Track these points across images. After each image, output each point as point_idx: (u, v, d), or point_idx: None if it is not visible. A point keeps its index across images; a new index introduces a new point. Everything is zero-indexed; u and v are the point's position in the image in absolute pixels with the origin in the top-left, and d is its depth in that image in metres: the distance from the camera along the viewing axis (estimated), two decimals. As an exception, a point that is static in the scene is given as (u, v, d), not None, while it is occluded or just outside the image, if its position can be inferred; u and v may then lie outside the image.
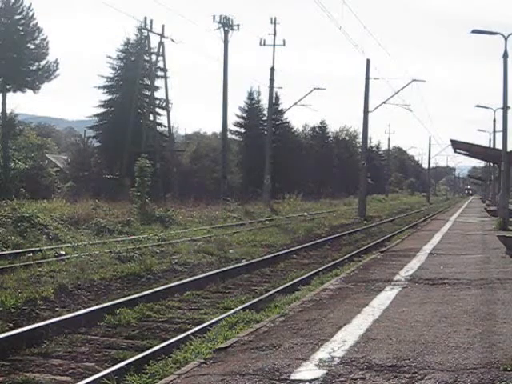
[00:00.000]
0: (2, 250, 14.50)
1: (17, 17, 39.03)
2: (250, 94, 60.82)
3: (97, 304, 9.33)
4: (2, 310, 8.52)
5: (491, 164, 52.30)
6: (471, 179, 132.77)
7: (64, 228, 18.89)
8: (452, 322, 6.59)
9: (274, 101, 48.95)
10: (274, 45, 42.36)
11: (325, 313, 7.13)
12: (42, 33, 39.75)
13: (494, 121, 46.05)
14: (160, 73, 47.68)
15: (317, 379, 4.65)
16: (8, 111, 39.42)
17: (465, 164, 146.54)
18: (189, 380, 4.83)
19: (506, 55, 23.57)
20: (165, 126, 49.46)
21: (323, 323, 6.56)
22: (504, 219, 22.51)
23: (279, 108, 58.73)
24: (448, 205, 68.00)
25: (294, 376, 4.73)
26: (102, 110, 48.95)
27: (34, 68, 39.63)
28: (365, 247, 18.65)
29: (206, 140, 63.28)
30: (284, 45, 42.79)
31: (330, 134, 77.80)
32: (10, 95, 39.60)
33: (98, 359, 6.87)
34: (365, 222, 31.96)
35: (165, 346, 6.98)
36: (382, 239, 21.34)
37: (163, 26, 44.38)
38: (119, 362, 6.53)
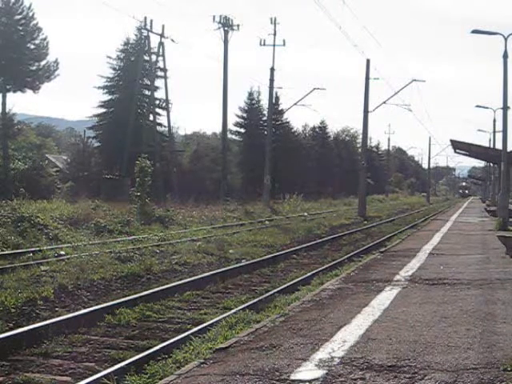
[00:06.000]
0: (2, 250, 14.50)
1: (17, 17, 39.04)
2: (250, 94, 60.84)
3: (97, 304, 9.33)
4: (2, 310, 8.52)
5: (491, 164, 52.34)
6: (471, 179, 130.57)
7: (64, 228, 18.89)
8: (452, 322, 6.59)
9: (274, 101, 48.95)
10: (274, 45, 42.44)
11: (325, 313, 7.12)
12: (42, 33, 39.86)
13: (494, 121, 46.13)
14: (160, 73, 47.70)
15: (317, 379, 4.65)
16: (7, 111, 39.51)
17: (465, 164, 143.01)
18: (189, 380, 4.83)
19: (505, 55, 23.58)
20: (165, 126, 49.51)
21: (323, 323, 6.56)
22: (504, 219, 22.52)
23: (279, 108, 58.72)
24: (448, 205, 67.94)
25: (294, 376, 4.73)
26: (102, 110, 48.96)
27: (34, 68, 39.64)
28: (365, 247, 18.65)
29: (206, 140, 63.29)
30: (284, 45, 42.91)
31: (330, 134, 77.87)
32: (10, 95, 39.69)
33: (98, 359, 6.87)
34: (365, 222, 31.96)
35: (165, 346, 6.98)
36: (381, 239, 21.33)
37: (163, 26, 44.51)
38: (119, 362, 6.54)
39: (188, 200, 33.97)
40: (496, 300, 7.90)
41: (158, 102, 49.18)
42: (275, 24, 42.23)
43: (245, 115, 60.56)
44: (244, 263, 14.32)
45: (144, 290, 10.53)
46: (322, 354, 5.32)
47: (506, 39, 23.43)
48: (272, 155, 42.85)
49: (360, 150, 44.99)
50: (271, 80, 42.16)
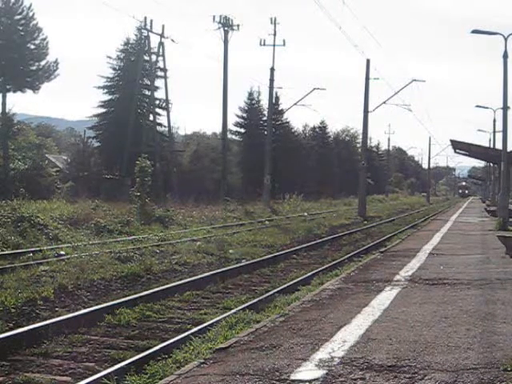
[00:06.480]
0: (2, 250, 14.50)
1: (17, 17, 39.04)
2: (250, 94, 60.87)
3: (97, 304, 9.33)
4: (2, 310, 8.52)
5: (491, 164, 52.33)
6: (471, 179, 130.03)
7: (64, 228, 18.90)
8: (452, 322, 6.59)
9: (274, 101, 48.96)
10: (274, 45, 42.45)
11: (325, 313, 7.12)
12: (42, 33, 39.85)
13: (494, 121, 46.14)
14: (160, 73, 47.71)
15: (317, 379, 4.65)
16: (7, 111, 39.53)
17: (465, 164, 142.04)
18: (189, 380, 4.83)
19: (505, 55, 23.58)
20: (165, 126, 49.52)
21: (323, 323, 6.56)
22: (504, 219, 22.52)
23: (279, 108, 58.74)
24: (448, 205, 67.96)
25: (294, 376, 4.73)
26: (102, 110, 48.98)
27: (34, 68, 39.64)
28: (365, 247, 18.65)
29: (206, 140, 63.19)
30: (284, 45, 42.91)
31: (330, 134, 77.90)
32: (10, 95, 39.70)
33: (98, 359, 6.87)
34: (365, 222, 31.95)
35: (165, 346, 6.98)
36: (381, 239, 21.33)
37: (163, 26, 44.52)
38: (119, 362, 6.54)
39: (188, 200, 33.96)
40: (496, 300, 7.90)
41: (158, 102, 49.19)
42: (275, 24, 42.31)
43: (245, 115, 60.57)
44: (244, 263, 14.32)
45: (144, 290, 10.53)
46: (322, 353, 5.32)
47: (506, 39, 23.44)
48: (272, 155, 42.85)
49: (360, 149, 45.00)
50: (271, 80, 42.18)
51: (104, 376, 5.91)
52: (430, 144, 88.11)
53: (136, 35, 48.88)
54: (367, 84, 37.47)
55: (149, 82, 47.83)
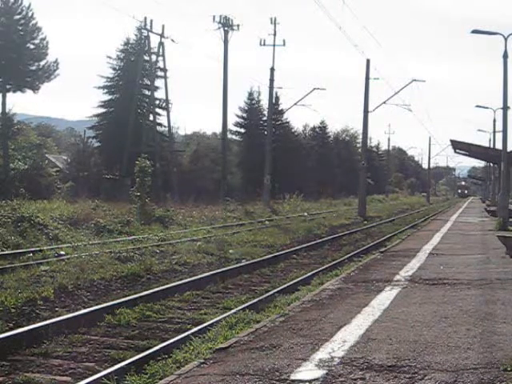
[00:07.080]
0: (2, 250, 14.50)
1: (16, 17, 39.07)
2: (250, 94, 60.90)
3: (97, 304, 9.33)
4: (1, 310, 8.51)
5: (491, 164, 52.34)
6: (471, 179, 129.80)
7: (64, 228, 18.90)
8: (452, 322, 6.59)
9: (274, 101, 48.96)
10: (274, 45, 42.44)
11: (325, 313, 7.12)
12: (42, 32, 39.89)
13: (494, 121, 46.15)
14: (160, 73, 47.73)
15: (317, 379, 4.65)
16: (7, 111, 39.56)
17: (465, 164, 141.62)
18: (189, 380, 4.83)
19: (505, 55, 23.59)
20: (165, 126, 49.54)
21: (323, 323, 6.56)
22: (504, 219, 22.52)
23: (279, 108, 58.75)
24: (448, 205, 67.95)
25: (294, 376, 4.73)
26: (102, 110, 49.03)
27: (34, 68, 39.67)
28: (365, 247, 18.65)
29: (206, 140, 63.22)
30: (284, 45, 42.90)
31: (330, 134, 77.90)
32: (10, 95, 39.72)
33: (98, 359, 6.87)
34: (365, 222, 31.95)
35: (165, 346, 6.98)
36: (381, 239, 21.33)
37: (163, 26, 44.56)
38: (119, 362, 6.54)
39: (188, 200, 33.97)
40: (496, 300, 7.90)
41: (158, 102, 49.22)
42: (275, 24, 42.30)
43: (245, 115, 60.59)
44: (244, 263, 14.32)
45: (144, 290, 10.53)
46: (322, 354, 5.32)
47: (506, 39, 23.44)
48: (272, 155, 42.85)
49: (360, 149, 45.01)
50: (271, 80, 42.19)
51: (104, 376, 5.91)
52: (429, 144, 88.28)
53: (136, 35, 49.01)
54: (367, 84, 37.49)
55: (149, 82, 47.85)
